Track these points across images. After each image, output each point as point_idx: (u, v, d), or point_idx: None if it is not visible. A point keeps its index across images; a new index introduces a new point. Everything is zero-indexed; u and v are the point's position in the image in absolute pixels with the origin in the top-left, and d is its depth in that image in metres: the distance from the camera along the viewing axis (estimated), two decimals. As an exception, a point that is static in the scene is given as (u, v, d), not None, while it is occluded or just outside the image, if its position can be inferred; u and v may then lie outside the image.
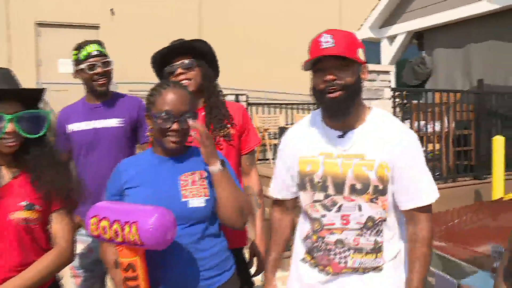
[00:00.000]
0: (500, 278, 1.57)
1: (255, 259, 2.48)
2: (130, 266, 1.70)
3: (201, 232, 1.86)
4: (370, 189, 1.72)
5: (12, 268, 1.68)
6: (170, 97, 1.83)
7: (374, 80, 5.39)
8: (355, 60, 1.67)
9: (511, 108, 6.66)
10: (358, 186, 1.73)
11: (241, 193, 1.91)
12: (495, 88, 6.76)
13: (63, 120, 2.75)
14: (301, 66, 1.70)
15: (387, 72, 5.50)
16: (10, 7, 11.61)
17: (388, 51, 9.73)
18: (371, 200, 1.73)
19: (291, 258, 2.00)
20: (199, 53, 2.39)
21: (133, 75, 10.14)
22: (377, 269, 1.78)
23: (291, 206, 2.04)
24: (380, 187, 1.72)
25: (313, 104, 10.67)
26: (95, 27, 12.32)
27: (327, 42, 1.65)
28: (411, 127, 5.76)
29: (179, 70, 2.31)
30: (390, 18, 9.58)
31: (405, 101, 5.93)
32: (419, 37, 9.55)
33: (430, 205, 1.77)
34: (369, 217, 1.75)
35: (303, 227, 1.92)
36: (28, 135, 1.73)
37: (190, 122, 1.81)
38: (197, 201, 1.83)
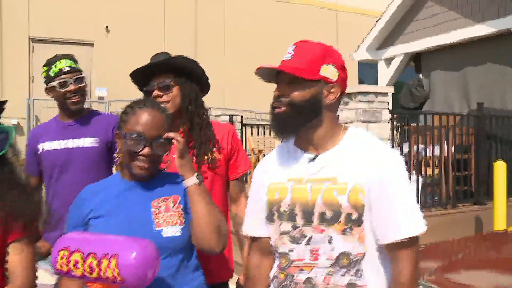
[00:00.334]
0: None
1: None
2: None
3: (178, 264, 1.67)
4: (342, 218, 1.46)
5: None
6: (144, 118, 1.67)
7: (372, 102, 5.24)
8: (303, 77, 1.49)
9: (510, 132, 6.55)
10: (328, 214, 1.48)
11: (218, 211, 1.73)
12: (493, 112, 6.66)
13: (34, 139, 2.58)
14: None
15: (385, 94, 5.36)
16: (3, 21, 11.48)
17: (385, 73, 9.66)
18: (344, 231, 1.47)
19: None
20: (182, 71, 2.17)
21: (128, 93, 9.95)
22: None
23: (271, 248, 1.67)
24: (354, 215, 1.46)
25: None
26: (90, 44, 12.21)
27: (288, 53, 1.53)
28: (410, 151, 5.62)
29: (156, 92, 2.10)
30: (388, 40, 9.55)
31: (404, 124, 5.80)
32: (416, 59, 9.51)
33: (413, 241, 1.47)
34: (342, 252, 1.48)
35: (274, 266, 1.66)
36: None
37: (170, 134, 1.67)
38: (171, 230, 1.65)
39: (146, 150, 1.64)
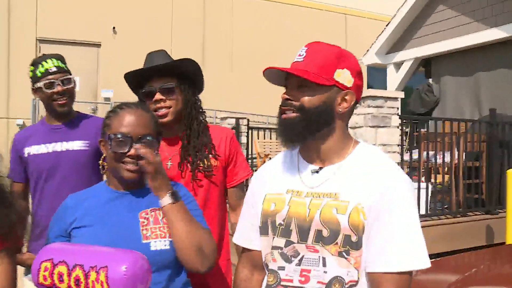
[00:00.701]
0: None
1: None
2: None
3: (166, 280, 1.56)
4: (340, 239, 1.32)
5: None
6: (128, 119, 1.58)
7: (381, 107, 5.11)
8: (315, 82, 1.36)
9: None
10: (325, 233, 1.34)
11: (200, 230, 1.60)
12: (506, 118, 6.50)
13: (19, 144, 2.47)
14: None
15: (395, 99, 5.22)
16: (11, 22, 11.49)
17: (394, 78, 9.53)
18: (340, 254, 1.33)
19: None
20: (182, 74, 2.05)
21: (134, 95, 9.85)
22: None
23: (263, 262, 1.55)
24: (354, 238, 1.32)
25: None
26: (97, 45, 12.20)
27: (299, 55, 1.41)
28: (419, 157, 5.49)
29: (158, 96, 1.96)
30: (397, 44, 9.42)
31: (413, 130, 5.67)
32: (426, 64, 9.36)
33: (403, 276, 1.30)
34: (335, 277, 1.33)
35: (263, 283, 1.51)
36: None
37: (138, 146, 1.54)
38: (160, 243, 1.54)
39: (133, 151, 1.54)
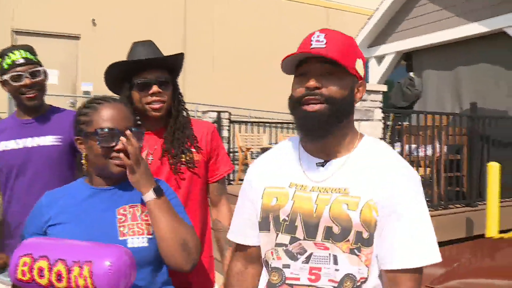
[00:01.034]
0: None
1: None
2: None
3: (145, 279, 1.50)
4: (351, 236, 1.28)
5: None
6: (109, 113, 1.54)
7: (364, 100, 5.09)
8: (348, 69, 1.30)
9: (503, 133, 6.46)
10: (336, 229, 1.29)
11: (184, 226, 1.55)
12: (487, 112, 6.57)
13: None
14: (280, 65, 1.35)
15: (378, 92, 5.21)
16: (-14, 13, 11.20)
17: (376, 71, 9.57)
18: (352, 251, 1.28)
19: None
20: (171, 67, 2.02)
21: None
22: None
23: (258, 256, 1.49)
24: (365, 234, 1.28)
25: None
26: (76, 37, 11.97)
27: (317, 41, 1.30)
28: (402, 151, 5.50)
29: (156, 88, 1.91)
30: (379, 37, 9.45)
31: (398, 123, 5.68)
32: (407, 58, 9.42)
33: (418, 269, 1.31)
34: (347, 275, 1.29)
35: (262, 281, 1.45)
36: None
37: (122, 139, 1.50)
38: (138, 241, 1.49)
39: (121, 144, 1.50)
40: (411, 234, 1.29)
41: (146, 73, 1.92)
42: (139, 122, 2.00)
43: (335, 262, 1.29)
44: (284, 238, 1.35)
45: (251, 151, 8.63)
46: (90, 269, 1.29)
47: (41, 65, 2.35)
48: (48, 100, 2.50)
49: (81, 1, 11.85)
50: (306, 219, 1.32)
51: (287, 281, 1.34)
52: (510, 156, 6.41)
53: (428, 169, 5.90)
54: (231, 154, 9.33)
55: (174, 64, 2.01)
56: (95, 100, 1.61)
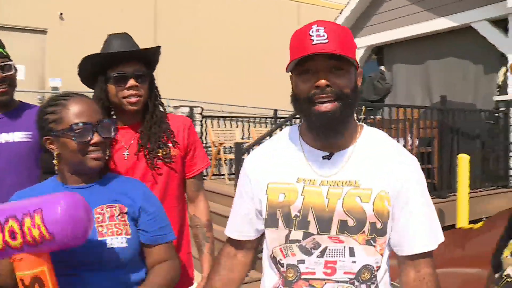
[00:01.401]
0: None
1: None
2: (36, 281, 1.27)
3: (123, 279, 1.48)
4: (366, 227, 1.29)
5: None
6: (80, 108, 1.52)
7: (337, 94, 5.12)
8: (354, 62, 1.29)
9: (471, 126, 6.59)
10: (351, 222, 1.29)
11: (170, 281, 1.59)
12: (456, 105, 6.69)
13: None
14: (286, 67, 1.31)
15: (350, 86, 5.24)
16: None
17: (347, 65, 9.63)
18: (368, 243, 1.30)
19: None
20: (148, 62, 1.97)
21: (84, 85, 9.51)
22: None
23: (252, 247, 1.56)
24: (379, 225, 1.30)
25: (272, 118, 10.43)
26: (43, 31, 11.65)
27: (319, 36, 1.25)
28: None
29: (133, 82, 1.87)
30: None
31: (371, 117, 5.72)
32: (378, 52, 9.51)
33: (431, 252, 1.40)
34: (364, 266, 1.31)
35: (269, 279, 1.43)
36: None
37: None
38: (116, 241, 1.46)
39: (96, 138, 1.49)
40: (424, 219, 1.35)
41: (122, 66, 1.87)
42: (113, 117, 1.97)
43: (352, 254, 1.30)
44: (297, 234, 1.34)
45: (224, 146, 8.58)
46: (41, 217, 1.25)
47: (11, 59, 2.25)
48: (15, 96, 2.41)
49: (48, -6, 11.56)
50: (319, 214, 1.32)
51: (302, 276, 1.34)
52: (478, 148, 6.56)
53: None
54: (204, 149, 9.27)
55: (151, 57, 1.97)
56: (60, 97, 1.57)
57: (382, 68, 9.39)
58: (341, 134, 1.34)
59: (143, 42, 2.03)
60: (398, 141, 5.80)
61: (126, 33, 1.99)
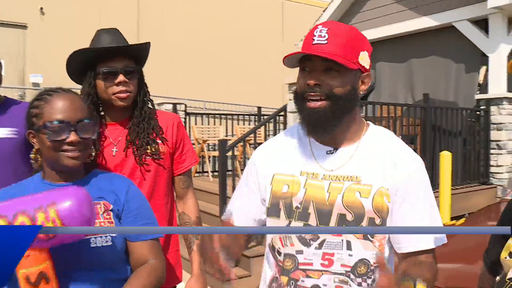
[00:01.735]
0: None
1: None
2: (42, 276, 1.28)
3: (107, 278, 1.46)
4: (364, 222, 1.33)
5: None
6: (60, 104, 1.48)
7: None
8: (348, 66, 1.31)
9: (453, 123, 6.67)
10: (349, 217, 1.34)
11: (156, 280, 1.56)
12: (438, 103, 6.76)
13: None
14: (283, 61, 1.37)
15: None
16: None
17: (331, 63, 9.66)
18: (365, 237, 1.34)
19: None
20: (137, 58, 1.95)
21: (66, 80, 9.37)
22: None
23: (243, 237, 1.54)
24: (377, 220, 1.33)
25: (256, 115, 10.41)
26: (23, 26, 11.47)
27: (320, 36, 1.32)
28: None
29: (122, 77, 1.84)
30: (334, 30, 9.53)
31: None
32: (361, 50, 9.55)
33: (434, 250, 1.41)
34: (360, 260, 1.34)
35: (268, 269, 1.49)
36: None
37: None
38: (100, 240, 1.44)
39: (73, 136, 1.45)
40: (424, 218, 1.37)
41: (111, 61, 1.85)
42: (102, 113, 1.94)
43: (349, 248, 1.34)
44: (297, 225, 1.38)
45: (208, 143, 8.55)
46: (56, 210, 1.24)
47: None
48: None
49: (28, -12, 11.37)
50: (319, 207, 1.36)
51: (300, 267, 1.38)
52: (460, 146, 6.64)
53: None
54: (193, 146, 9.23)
55: (141, 53, 1.95)
56: (47, 91, 1.54)
57: (365, 66, 9.46)
58: (329, 133, 1.38)
59: (126, 39, 2.01)
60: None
61: (116, 28, 1.97)
